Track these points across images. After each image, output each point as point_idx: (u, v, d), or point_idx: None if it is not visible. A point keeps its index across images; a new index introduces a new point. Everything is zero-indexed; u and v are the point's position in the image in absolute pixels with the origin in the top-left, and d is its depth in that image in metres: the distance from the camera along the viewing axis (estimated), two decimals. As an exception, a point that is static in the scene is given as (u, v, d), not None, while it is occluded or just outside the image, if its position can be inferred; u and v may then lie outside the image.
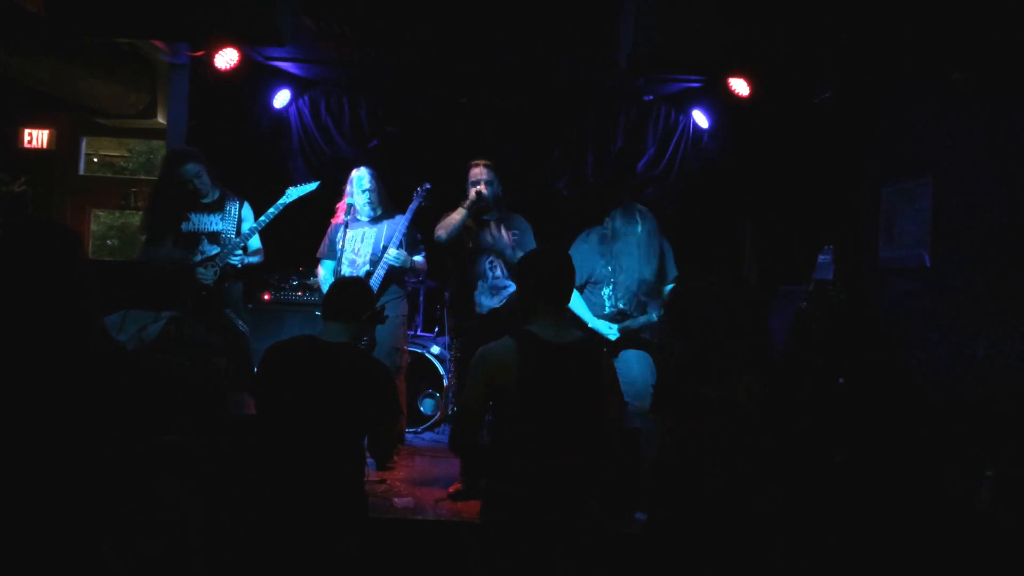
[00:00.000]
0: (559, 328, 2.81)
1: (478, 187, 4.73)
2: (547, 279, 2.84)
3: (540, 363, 2.71)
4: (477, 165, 4.86)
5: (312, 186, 5.09)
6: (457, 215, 4.71)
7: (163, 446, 2.84)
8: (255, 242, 5.04)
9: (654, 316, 4.71)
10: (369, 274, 4.85)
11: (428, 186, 5.00)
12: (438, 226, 4.78)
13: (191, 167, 4.80)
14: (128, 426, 2.62)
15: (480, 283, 4.77)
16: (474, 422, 2.79)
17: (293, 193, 5.02)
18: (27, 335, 2.33)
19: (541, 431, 2.68)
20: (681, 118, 6.59)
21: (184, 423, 2.90)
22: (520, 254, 4.92)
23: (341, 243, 4.97)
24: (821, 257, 5.13)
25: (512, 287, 4.72)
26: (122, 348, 2.83)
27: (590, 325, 4.68)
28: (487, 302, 4.75)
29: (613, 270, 4.73)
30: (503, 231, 4.81)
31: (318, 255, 5.18)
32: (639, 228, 4.72)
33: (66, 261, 2.48)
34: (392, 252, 4.88)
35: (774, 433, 3.51)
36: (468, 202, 4.72)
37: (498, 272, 4.78)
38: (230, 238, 4.90)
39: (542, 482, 2.66)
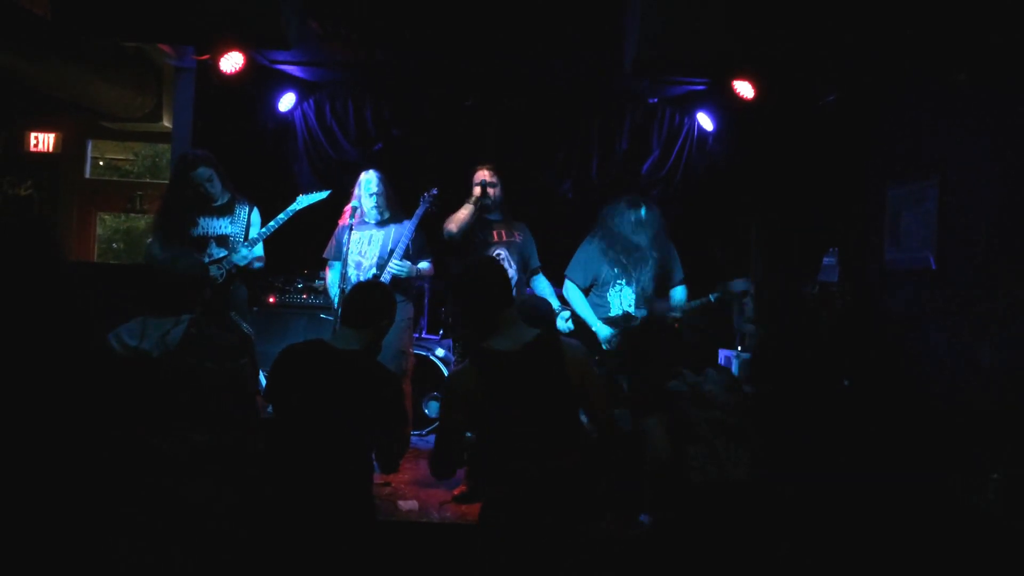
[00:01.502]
0: (513, 334, 2.81)
1: (482, 182, 4.85)
2: (484, 293, 2.85)
3: (500, 375, 2.72)
4: (482, 168, 4.93)
5: (322, 195, 5.09)
6: (465, 211, 4.80)
7: (195, 447, 2.86)
8: (258, 249, 5.04)
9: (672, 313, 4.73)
10: (376, 277, 4.84)
11: (435, 192, 5.02)
12: (447, 221, 4.83)
13: (203, 171, 4.82)
14: (126, 425, 2.63)
15: None
16: (452, 448, 2.81)
17: (303, 201, 5.03)
18: (11, 335, 2.32)
19: (517, 437, 2.69)
20: (686, 120, 6.59)
21: (215, 424, 2.93)
22: (527, 255, 4.94)
23: (347, 245, 4.98)
24: (826, 259, 5.12)
25: (516, 279, 4.76)
26: (118, 353, 2.86)
27: (593, 328, 4.68)
28: None
29: (618, 272, 4.72)
30: (513, 232, 4.86)
31: (325, 255, 5.18)
32: (643, 213, 4.73)
33: (37, 258, 2.46)
34: (395, 264, 4.89)
35: (780, 432, 3.55)
36: (474, 198, 4.82)
37: (505, 265, 4.79)
38: (238, 241, 4.90)
39: (526, 484, 2.67)
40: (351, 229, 4.99)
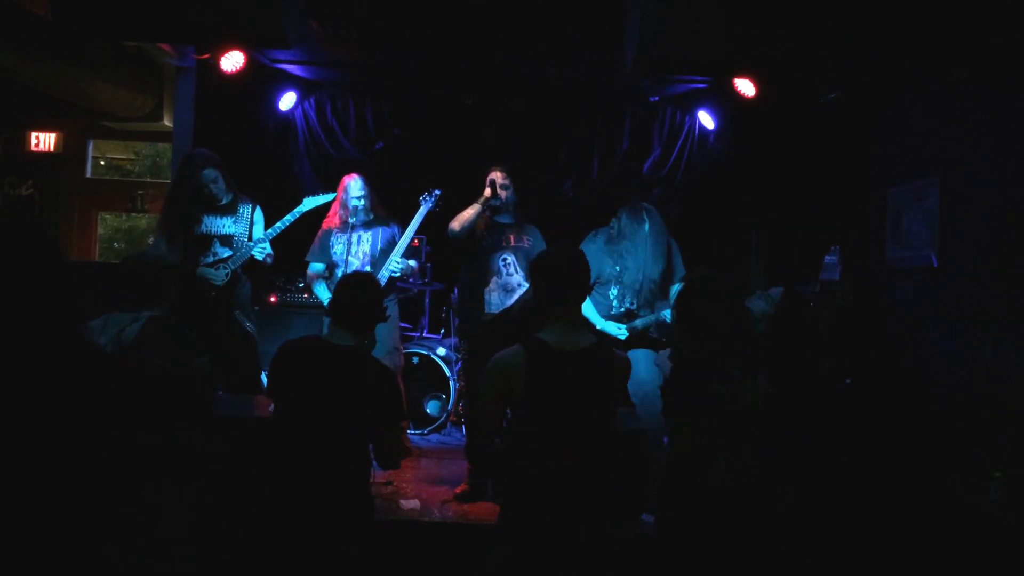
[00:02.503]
0: (570, 333, 2.77)
1: (491, 181, 4.80)
2: (557, 280, 2.80)
3: (548, 371, 2.68)
4: (495, 169, 4.90)
5: (328, 197, 5.09)
6: (471, 210, 4.77)
7: (146, 447, 2.83)
8: (266, 248, 5.04)
9: (663, 314, 4.70)
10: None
11: (438, 192, 5.03)
12: (452, 220, 4.82)
13: (209, 172, 4.82)
14: (113, 427, 2.62)
15: (493, 280, 4.78)
16: (489, 429, 2.78)
17: (309, 203, 5.05)
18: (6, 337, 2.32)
19: (552, 437, 2.68)
20: (687, 119, 6.58)
21: (166, 423, 2.89)
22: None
23: (337, 247, 5.02)
24: (827, 257, 5.10)
25: (526, 286, 4.73)
26: (101, 349, 2.85)
27: (598, 327, 4.67)
28: (497, 300, 4.75)
29: (620, 270, 4.72)
30: (523, 236, 4.84)
31: (307, 258, 5.14)
32: (646, 227, 4.71)
33: (32, 260, 2.45)
34: (397, 262, 4.92)
35: (781, 432, 3.51)
36: (483, 197, 4.77)
37: (511, 270, 4.78)
38: (243, 241, 4.90)
39: (555, 487, 2.66)
40: (348, 231, 4.99)
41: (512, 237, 4.85)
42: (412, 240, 5.14)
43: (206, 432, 3.05)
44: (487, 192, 4.79)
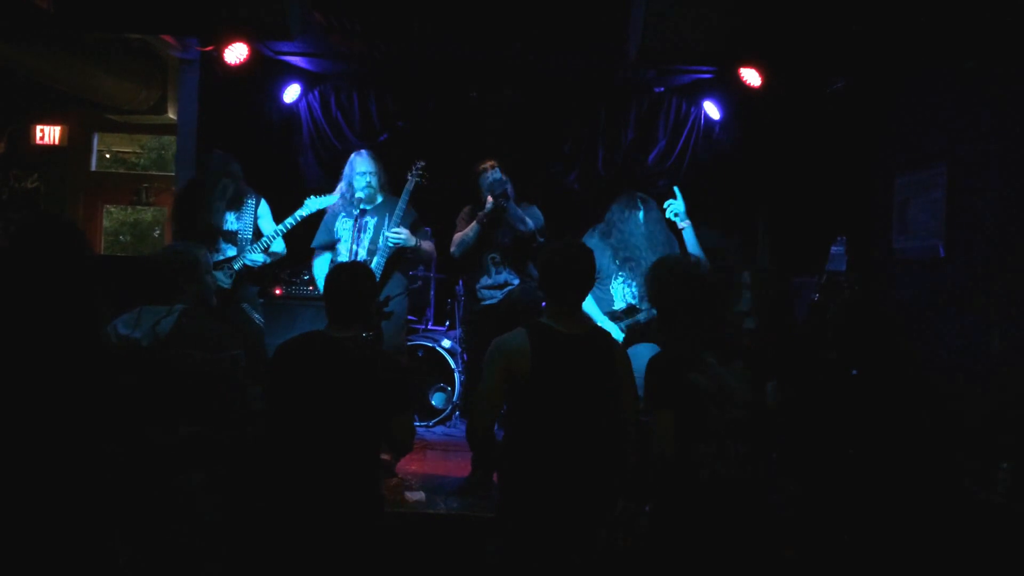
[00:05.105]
0: (572, 321, 2.80)
1: (496, 197, 4.58)
2: (559, 276, 2.81)
3: (554, 352, 2.71)
4: (486, 168, 4.72)
5: (334, 198, 4.90)
6: (470, 230, 4.65)
7: (184, 438, 2.87)
8: (278, 245, 4.93)
9: None
10: (368, 261, 4.63)
11: (423, 163, 4.79)
12: (452, 241, 4.75)
13: (235, 168, 4.83)
14: (134, 421, 2.63)
15: (483, 278, 4.75)
16: (491, 413, 2.78)
17: (313, 204, 4.85)
18: (35, 332, 2.33)
19: (557, 420, 2.68)
20: (692, 109, 6.56)
21: (204, 415, 2.93)
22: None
23: (343, 232, 4.81)
24: (834, 248, 5.08)
25: (514, 283, 4.71)
26: (114, 345, 2.87)
27: (597, 323, 4.65)
28: (489, 296, 4.73)
29: (619, 263, 4.70)
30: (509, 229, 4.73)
31: (313, 244, 4.96)
32: (640, 215, 4.69)
33: (76, 259, 2.49)
34: (392, 233, 4.61)
35: (786, 424, 3.50)
36: (483, 214, 4.61)
37: (500, 268, 4.74)
38: (246, 238, 4.86)
39: (558, 472, 2.66)
40: (356, 215, 4.77)
41: (500, 232, 4.72)
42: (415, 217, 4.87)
43: (239, 424, 3.07)
44: (488, 203, 4.58)
